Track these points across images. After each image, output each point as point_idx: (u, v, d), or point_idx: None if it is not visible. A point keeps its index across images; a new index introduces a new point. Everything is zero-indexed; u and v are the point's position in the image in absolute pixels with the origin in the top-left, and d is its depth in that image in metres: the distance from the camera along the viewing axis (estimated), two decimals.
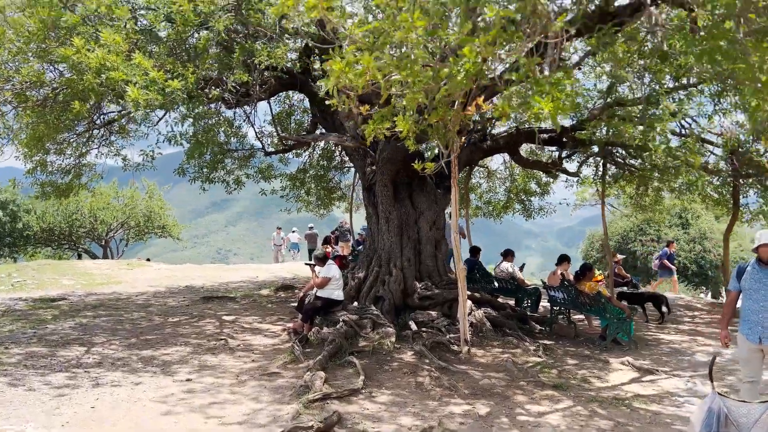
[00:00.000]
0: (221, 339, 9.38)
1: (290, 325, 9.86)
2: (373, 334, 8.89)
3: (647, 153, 10.56)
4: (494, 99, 7.29)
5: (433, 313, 9.75)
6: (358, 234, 18.25)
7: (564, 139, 11.64)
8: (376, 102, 8.58)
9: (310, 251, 25.31)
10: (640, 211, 15.53)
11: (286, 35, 10.17)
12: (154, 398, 6.24)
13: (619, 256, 15.32)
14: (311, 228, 25.22)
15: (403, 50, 3.63)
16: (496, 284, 11.65)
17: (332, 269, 9.37)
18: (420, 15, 3.13)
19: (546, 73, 3.49)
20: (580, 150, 11.42)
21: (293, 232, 27.08)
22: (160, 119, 10.58)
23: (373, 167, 10.79)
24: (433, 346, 8.47)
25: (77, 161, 12.78)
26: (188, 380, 6.99)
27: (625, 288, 14.18)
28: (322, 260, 9.51)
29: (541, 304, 11.77)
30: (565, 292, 9.87)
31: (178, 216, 38.17)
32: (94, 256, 29.43)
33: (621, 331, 9.07)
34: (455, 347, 8.54)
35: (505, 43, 3.12)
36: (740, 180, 11.31)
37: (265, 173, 14.90)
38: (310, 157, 16.96)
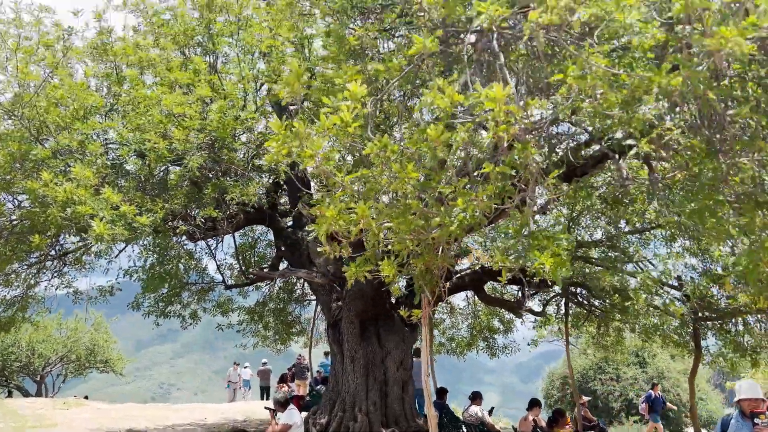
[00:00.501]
0: None
1: None
2: None
3: (613, 295, 10.77)
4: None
5: None
6: (317, 371, 17.51)
7: (527, 279, 11.77)
8: (351, 242, 8.60)
9: (263, 389, 24.07)
10: (602, 351, 15.49)
11: (255, 172, 10.34)
12: None
13: (585, 399, 15.00)
14: (265, 364, 24.13)
15: (390, 197, 3.64)
16: (464, 429, 11.09)
17: (294, 415, 8.77)
18: (413, 167, 3.17)
19: (532, 225, 3.51)
20: (543, 290, 11.53)
21: (245, 368, 25.82)
22: (120, 252, 10.29)
23: (339, 303, 10.57)
24: None
25: (24, 293, 12.17)
26: None
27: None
28: (283, 405, 8.92)
29: None
30: None
31: (123, 347, 36.19)
32: (26, 394, 27.14)
33: None
34: None
35: (497, 196, 3.16)
36: (699, 323, 11.46)
37: (224, 307, 14.45)
38: (270, 289, 16.63)
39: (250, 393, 25.52)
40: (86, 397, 26.30)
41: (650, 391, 17.14)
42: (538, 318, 13.12)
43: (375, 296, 9.82)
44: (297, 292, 17.38)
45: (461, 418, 11.22)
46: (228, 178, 9.15)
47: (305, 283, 16.62)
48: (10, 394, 27.66)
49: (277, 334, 17.20)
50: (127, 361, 29.82)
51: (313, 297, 17.76)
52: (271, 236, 15.83)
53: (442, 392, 12.10)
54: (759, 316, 10.24)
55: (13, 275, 11.59)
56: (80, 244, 9.90)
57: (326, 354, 19.66)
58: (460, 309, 16.83)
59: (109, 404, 21.47)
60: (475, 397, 11.31)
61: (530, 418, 9.82)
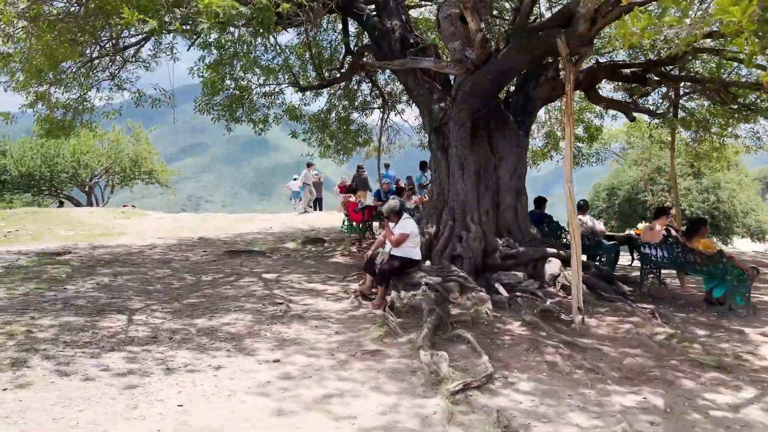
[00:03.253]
0: (280, 303, 8.06)
1: (356, 287, 8.57)
2: (463, 300, 7.66)
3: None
4: None
5: (520, 275, 8.54)
6: (384, 183, 16.79)
7: (648, 76, 10.33)
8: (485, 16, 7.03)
9: (317, 200, 23.88)
10: (695, 160, 14.44)
11: None
12: (251, 390, 4.91)
13: (673, 210, 14.26)
14: (316, 175, 23.65)
15: None
16: (568, 239, 10.43)
17: (409, 224, 8.02)
18: None
19: None
20: (670, 85, 10.15)
21: (294, 179, 25.36)
22: (194, 42, 8.87)
23: (442, 105, 9.32)
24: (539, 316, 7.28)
25: (82, 95, 11.07)
26: (276, 361, 5.67)
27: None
28: (397, 213, 8.13)
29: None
30: (667, 250, 8.70)
31: None
32: (77, 204, 27.42)
33: (739, 295, 7.99)
34: (564, 316, 7.37)
35: None
36: None
37: (294, 113, 13.30)
38: (334, 96, 15.33)
39: (301, 204, 25.38)
40: (134, 206, 26.58)
41: None
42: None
43: (492, 95, 8.54)
44: (359, 98, 16.07)
45: (566, 228, 10.50)
46: None
47: (374, 88, 15.25)
48: (61, 204, 27.99)
49: (339, 144, 16.23)
50: (172, 171, 29.62)
51: (376, 105, 16.50)
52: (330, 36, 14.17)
53: (540, 201, 11.32)
54: None
55: (70, 74, 10.42)
56: (147, 33, 8.41)
57: (386, 166, 18.79)
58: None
59: (164, 213, 21.49)
60: (583, 206, 10.50)
61: (657, 227, 9.01)
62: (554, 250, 8.90)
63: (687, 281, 9.73)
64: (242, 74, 11.29)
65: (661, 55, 10.07)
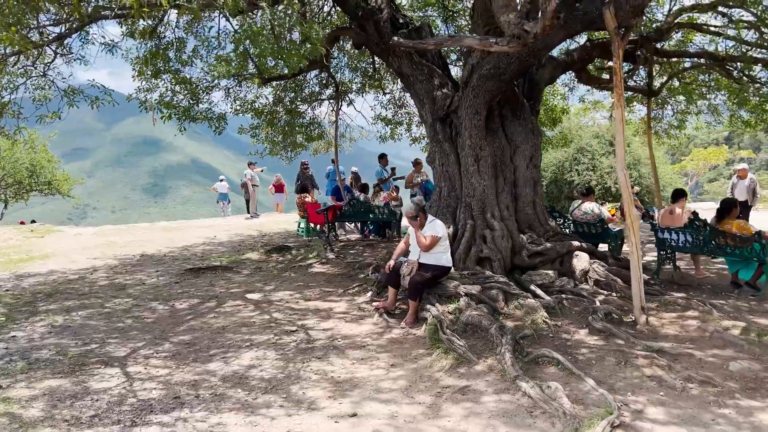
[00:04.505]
0: (293, 331, 6.84)
1: (378, 303, 7.47)
2: (510, 309, 6.80)
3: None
4: None
5: (551, 273, 7.80)
6: (343, 177, 15.61)
7: (638, 53, 9.93)
8: None
9: (248, 202, 22.24)
10: (656, 137, 14.43)
11: None
12: None
13: (637, 188, 14.19)
14: (247, 176, 22.00)
15: None
16: (572, 228, 9.86)
17: (439, 226, 7.03)
18: None
19: None
20: (659, 62, 9.80)
21: (221, 180, 23.50)
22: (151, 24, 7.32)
23: (446, 91, 8.36)
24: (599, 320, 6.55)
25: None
26: (354, 416, 4.53)
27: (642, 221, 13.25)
28: (425, 213, 7.10)
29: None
30: (691, 234, 8.27)
31: None
32: None
33: None
34: (624, 317, 6.71)
35: None
36: None
37: (246, 107, 11.84)
38: (281, 88, 13.90)
39: (230, 207, 23.60)
40: (33, 221, 23.86)
41: None
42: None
43: (513, 78, 7.68)
44: (306, 89, 14.73)
45: (571, 216, 9.93)
46: None
47: (328, 76, 13.99)
48: None
49: (287, 139, 14.81)
50: (76, 181, 26.60)
51: (324, 96, 15.22)
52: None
53: None
54: None
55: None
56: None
57: (333, 161, 17.60)
58: None
59: (85, 228, 19.05)
60: (589, 193, 9.96)
61: (678, 210, 8.58)
62: (578, 243, 8.24)
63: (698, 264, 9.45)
64: (191, 64, 9.79)
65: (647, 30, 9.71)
